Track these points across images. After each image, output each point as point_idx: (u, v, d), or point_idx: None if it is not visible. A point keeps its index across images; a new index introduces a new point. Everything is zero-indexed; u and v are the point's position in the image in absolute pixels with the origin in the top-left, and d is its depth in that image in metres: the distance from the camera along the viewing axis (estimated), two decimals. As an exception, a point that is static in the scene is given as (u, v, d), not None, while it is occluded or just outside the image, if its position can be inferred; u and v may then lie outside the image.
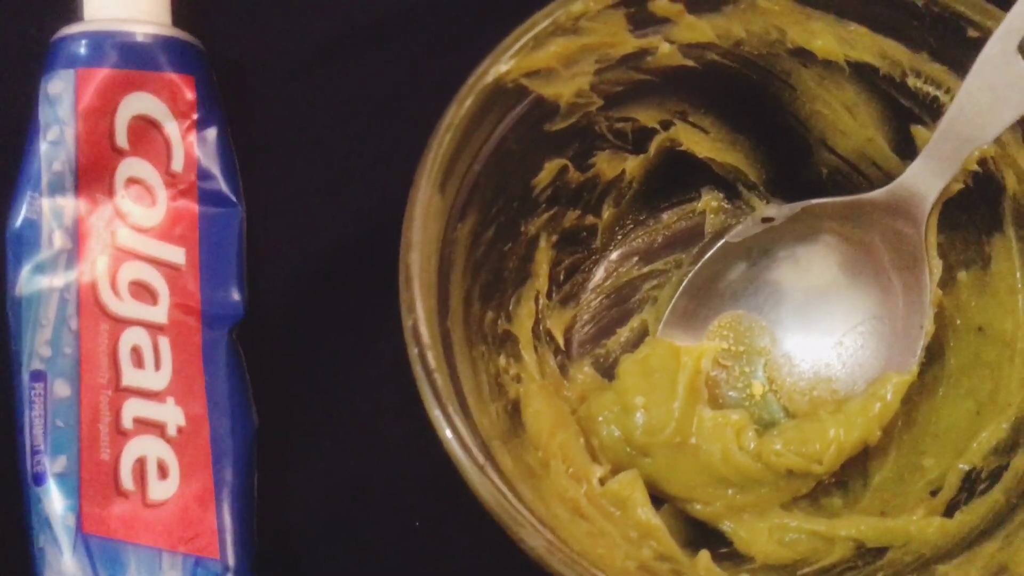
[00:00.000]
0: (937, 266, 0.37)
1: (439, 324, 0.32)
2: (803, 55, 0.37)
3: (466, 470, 0.29)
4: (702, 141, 0.40)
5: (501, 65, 0.33)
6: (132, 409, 0.36)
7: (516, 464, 0.32)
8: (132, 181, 0.38)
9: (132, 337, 0.37)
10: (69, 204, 0.37)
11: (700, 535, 0.37)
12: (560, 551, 0.28)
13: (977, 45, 0.34)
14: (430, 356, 0.30)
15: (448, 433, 0.29)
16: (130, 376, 0.36)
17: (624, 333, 0.41)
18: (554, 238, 0.39)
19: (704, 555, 0.34)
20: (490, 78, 0.33)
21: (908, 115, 0.37)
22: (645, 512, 0.35)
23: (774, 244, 0.38)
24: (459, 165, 0.33)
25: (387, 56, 0.44)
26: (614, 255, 0.42)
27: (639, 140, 0.39)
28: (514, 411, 0.36)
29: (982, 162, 0.35)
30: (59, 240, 0.37)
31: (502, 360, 0.36)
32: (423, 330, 0.30)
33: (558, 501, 0.33)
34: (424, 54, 0.44)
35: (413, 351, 0.30)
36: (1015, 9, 0.33)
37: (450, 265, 0.34)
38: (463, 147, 0.33)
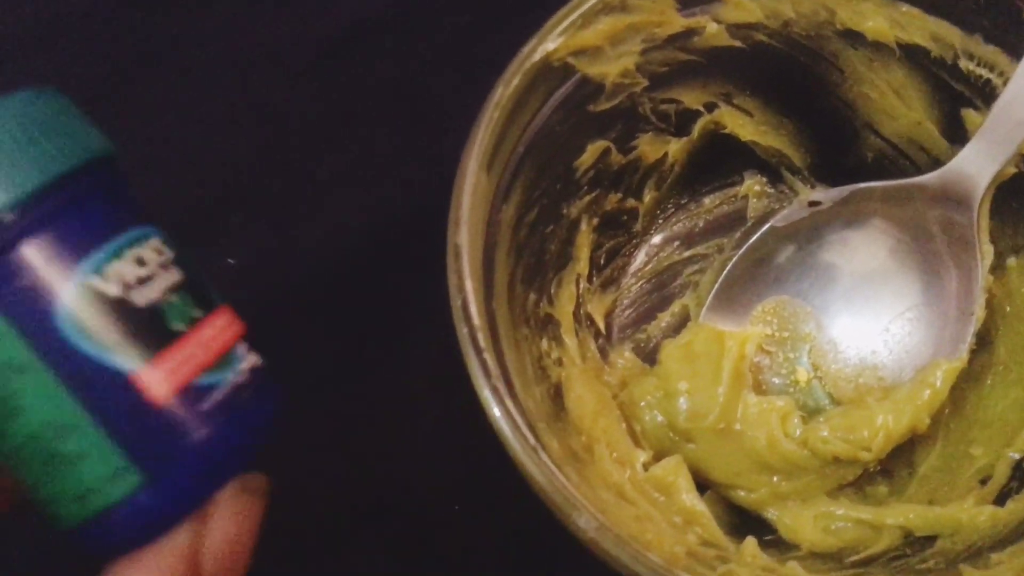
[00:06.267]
0: (988, 252, 0.36)
1: (485, 305, 0.31)
2: (852, 37, 0.36)
3: (516, 451, 0.28)
4: (746, 124, 0.39)
5: (548, 43, 0.33)
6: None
7: (561, 447, 0.32)
8: None
9: None
10: None
11: (743, 522, 0.36)
12: (612, 534, 0.28)
13: (1033, 27, 0.33)
14: (480, 336, 0.29)
15: (498, 412, 0.29)
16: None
17: (665, 318, 0.40)
18: (595, 221, 0.39)
19: (751, 542, 0.34)
20: (537, 56, 0.33)
21: (959, 98, 0.36)
22: (690, 498, 0.35)
23: (821, 228, 0.38)
24: (505, 145, 0.33)
25: (420, 38, 0.44)
26: (655, 239, 0.41)
27: (682, 122, 0.39)
28: (556, 395, 0.35)
29: (1037, 146, 0.35)
30: None
31: (544, 343, 0.36)
32: (473, 310, 0.29)
33: (603, 486, 0.33)
34: (458, 35, 0.44)
35: (463, 331, 0.29)
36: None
37: (495, 246, 0.33)
38: (509, 127, 0.33)
